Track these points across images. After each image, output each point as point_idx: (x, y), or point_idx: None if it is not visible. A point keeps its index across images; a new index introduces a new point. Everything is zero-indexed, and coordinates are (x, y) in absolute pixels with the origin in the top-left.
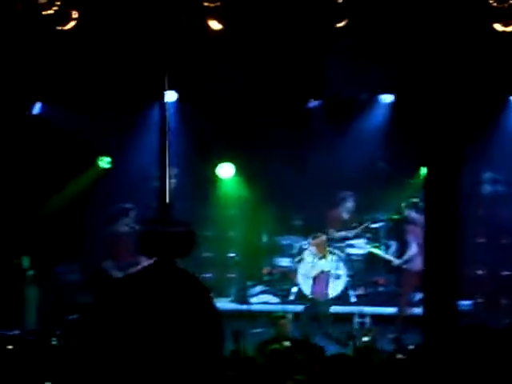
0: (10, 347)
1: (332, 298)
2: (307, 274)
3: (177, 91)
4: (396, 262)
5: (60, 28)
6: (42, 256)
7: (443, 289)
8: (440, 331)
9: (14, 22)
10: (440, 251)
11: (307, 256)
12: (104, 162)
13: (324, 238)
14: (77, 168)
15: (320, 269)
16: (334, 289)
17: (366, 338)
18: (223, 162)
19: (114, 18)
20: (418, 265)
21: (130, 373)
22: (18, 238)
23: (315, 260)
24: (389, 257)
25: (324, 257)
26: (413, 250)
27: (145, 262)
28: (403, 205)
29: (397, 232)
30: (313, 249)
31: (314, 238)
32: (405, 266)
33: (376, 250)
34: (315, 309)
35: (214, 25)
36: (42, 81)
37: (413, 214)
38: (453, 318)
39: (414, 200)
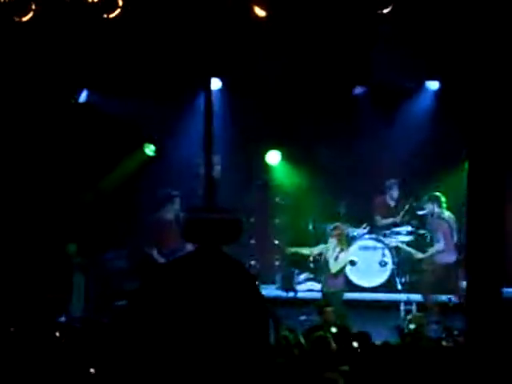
0: (57, 334)
1: (376, 286)
2: (330, 268)
3: (222, 79)
4: (419, 255)
5: (106, 16)
6: (89, 243)
7: (486, 276)
8: (484, 319)
9: (61, 11)
10: (483, 239)
11: (329, 249)
12: (150, 150)
13: (343, 228)
14: (124, 155)
15: (343, 263)
16: (381, 276)
17: (412, 326)
18: (270, 149)
19: (160, 4)
20: (442, 259)
21: (178, 359)
22: (66, 225)
23: (336, 253)
24: (412, 250)
25: (343, 249)
26: (440, 245)
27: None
28: (425, 198)
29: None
30: (333, 241)
31: (333, 229)
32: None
33: (400, 244)
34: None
35: (259, 11)
36: (88, 68)
37: (436, 209)
38: (497, 306)
39: (437, 194)
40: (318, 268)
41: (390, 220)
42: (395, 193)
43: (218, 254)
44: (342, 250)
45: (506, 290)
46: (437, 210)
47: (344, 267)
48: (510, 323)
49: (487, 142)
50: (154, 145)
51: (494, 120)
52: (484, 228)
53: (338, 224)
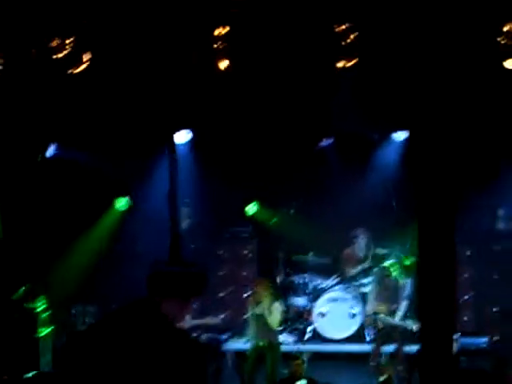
0: None
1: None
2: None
3: (192, 130)
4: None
5: (71, 71)
6: (58, 297)
7: (439, 325)
8: (437, 373)
9: (26, 66)
10: (435, 291)
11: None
12: (121, 203)
13: (263, 283)
14: (94, 209)
15: (279, 315)
16: (350, 328)
17: (381, 378)
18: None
19: (126, 60)
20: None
21: None
22: (35, 278)
23: (271, 308)
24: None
25: (273, 302)
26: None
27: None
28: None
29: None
30: (265, 296)
31: (257, 285)
32: None
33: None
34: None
35: (223, 64)
36: (56, 123)
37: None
38: (449, 358)
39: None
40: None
41: (360, 267)
42: (362, 241)
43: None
44: (270, 304)
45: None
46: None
47: (281, 318)
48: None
49: (435, 200)
50: (129, 197)
51: (445, 174)
52: (436, 280)
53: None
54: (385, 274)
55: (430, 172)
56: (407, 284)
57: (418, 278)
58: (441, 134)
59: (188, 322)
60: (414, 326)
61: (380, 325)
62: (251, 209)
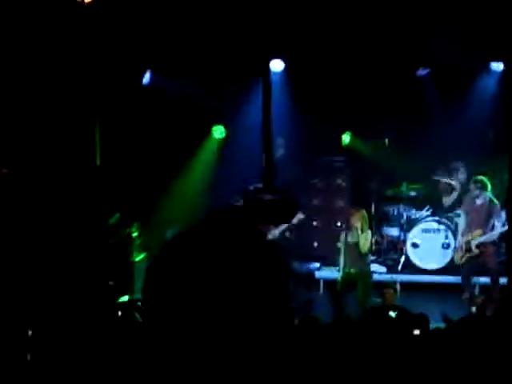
0: (119, 314)
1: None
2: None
3: (285, 60)
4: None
5: None
6: (151, 222)
7: None
8: None
9: None
10: None
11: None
12: (218, 132)
13: (361, 210)
14: (192, 138)
15: (369, 243)
16: (443, 259)
17: (473, 309)
18: (340, 130)
19: None
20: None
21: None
22: (130, 207)
23: (363, 234)
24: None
25: (364, 230)
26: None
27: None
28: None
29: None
30: (357, 222)
31: (356, 211)
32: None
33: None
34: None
35: None
36: (151, 50)
37: (479, 192)
38: None
39: (482, 178)
40: (382, 250)
41: (455, 194)
42: (462, 176)
43: (229, 221)
44: (363, 230)
45: None
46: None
47: (371, 246)
48: None
49: None
50: (225, 125)
51: None
52: None
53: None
54: (480, 185)
55: None
56: (498, 205)
57: (509, 212)
58: None
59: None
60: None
61: (475, 250)
62: (345, 138)
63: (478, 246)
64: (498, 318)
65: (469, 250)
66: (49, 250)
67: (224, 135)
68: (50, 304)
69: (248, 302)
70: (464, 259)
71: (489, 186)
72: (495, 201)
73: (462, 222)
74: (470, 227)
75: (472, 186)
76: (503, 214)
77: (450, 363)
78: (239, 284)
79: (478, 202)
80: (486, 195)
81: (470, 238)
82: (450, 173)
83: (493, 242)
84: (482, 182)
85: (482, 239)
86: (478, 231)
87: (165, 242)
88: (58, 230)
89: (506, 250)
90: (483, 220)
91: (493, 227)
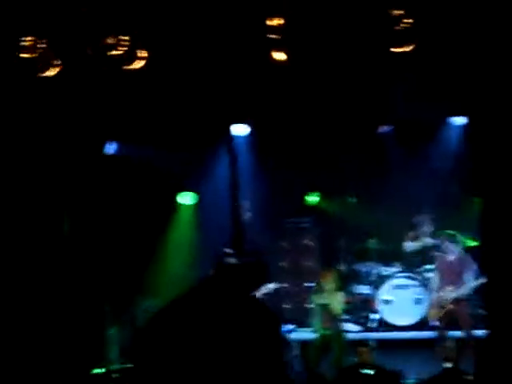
0: None
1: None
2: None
3: (249, 124)
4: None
5: (128, 68)
6: (121, 293)
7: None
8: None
9: (85, 65)
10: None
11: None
12: (187, 199)
13: (327, 273)
14: (161, 206)
15: (342, 303)
16: (416, 314)
17: (448, 365)
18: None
19: (180, 54)
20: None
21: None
22: (98, 277)
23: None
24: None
25: (336, 290)
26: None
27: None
28: (440, 233)
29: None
30: (329, 284)
31: (326, 272)
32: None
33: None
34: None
35: (279, 56)
36: (114, 121)
37: (450, 247)
38: None
39: (451, 232)
40: (354, 309)
41: (419, 243)
42: (427, 229)
43: (229, 288)
44: (334, 291)
45: None
46: (450, 247)
47: (343, 306)
48: None
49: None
50: (194, 192)
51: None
52: (500, 266)
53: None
54: (451, 240)
55: (492, 156)
56: (469, 257)
57: (482, 264)
58: (501, 119)
59: None
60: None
61: (450, 306)
62: (312, 198)
63: (451, 302)
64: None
65: (443, 306)
66: (17, 319)
67: (194, 201)
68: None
69: (248, 369)
70: (439, 316)
71: (460, 239)
72: (466, 254)
73: (435, 279)
74: (443, 284)
75: (442, 241)
76: (475, 267)
77: None
78: (238, 352)
79: (450, 257)
80: (458, 249)
81: (443, 294)
82: (415, 226)
83: (465, 297)
84: (452, 236)
85: (455, 294)
86: (451, 287)
87: (152, 313)
88: (26, 296)
89: (484, 302)
90: (456, 275)
91: (464, 282)
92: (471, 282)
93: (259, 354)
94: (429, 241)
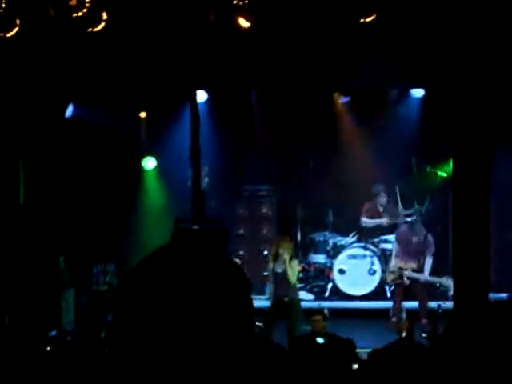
0: (48, 348)
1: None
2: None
3: (208, 90)
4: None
5: (90, 29)
6: (78, 257)
7: (473, 282)
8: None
9: (45, 25)
10: (469, 246)
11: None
12: (149, 163)
13: (283, 241)
14: (121, 170)
15: (297, 272)
16: (370, 284)
17: (402, 334)
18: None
19: (144, 18)
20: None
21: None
22: (54, 239)
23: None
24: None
25: (292, 258)
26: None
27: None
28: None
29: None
30: (285, 252)
31: (281, 240)
32: None
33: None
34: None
35: (243, 22)
36: (74, 82)
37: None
38: (484, 310)
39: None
40: (309, 277)
41: (375, 221)
42: (383, 199)
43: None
44: (290, 260)
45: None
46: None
47: (299, 275)
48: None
49: (470, 145)
50: (155, 157)
51: (476, 125)
52: (469, 231)
53: (282, 236)
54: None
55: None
56: (431, 241)
57: (452, 236)
58: (457, 90)
59: None
60: (439, 283)
61: (406, 281)
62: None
63: (408, 278)
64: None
65: (401, 277)
66: None
67: (155, 166)
68: None
69: (218, 320)
70: (394, 283)
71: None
72: (430, 238)
73: (395, 247)
74: (403, 256)
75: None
76: (434, 250)
77: None
78: (208, 303)
79: (415, 239)
80: (423, 231)
81: (403, 266)
82: (372, 197)
83: (423, 280)
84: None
85: (414, 275)
86: (411, 264)
87: (127, 270)
88: None
89: (452, 270)
90: (417, 255)
91: (423, 265)
92: (429, 265)
93: (230, 317)
94: (385, 220)
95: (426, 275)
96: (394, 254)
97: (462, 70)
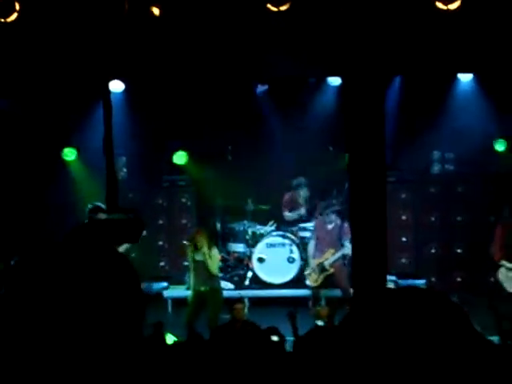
0: None
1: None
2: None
3: (124, 80)
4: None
5: (3, 20)
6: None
7: (372, 270)
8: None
9: None
10: (367, 234)
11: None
12: (68, 154)
13: (202, 230)
14: (41, 161)
15: (217, 261)
16: (289, 272)
17: (320, 323)
18: (176, 149)
19: (56, 8)
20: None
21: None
22: None
23: (210, 253)
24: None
25: (211, 248)
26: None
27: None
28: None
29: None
30: (203, 242)
31: (196, 233)
32: None
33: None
34: None
35: (155, 10)
36: None
37: (330, 216)
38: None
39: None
40: (229, 266)
41: (297, 213)
42: (303, 190)
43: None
44: (209, 250)
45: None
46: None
47: (218, 264)
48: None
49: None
50: (75, 148)
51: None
52: (367, 219)
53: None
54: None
55: (362, 115)
56: (347, 227)
57: (350, 222)
58: (373, 78)
59: None
60: None
61: (330, 269)
62: (179, 158)
63: (331, 265)
64: (343, 327)
65: (323, 269)
66: None
67: (74, 157)
68: None
69: (102, 319)
70: (320, 280)
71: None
72: (346, 225)
73: (311, 245)
74: (322, 249)
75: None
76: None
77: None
78: (92, 301)
79: (329, 226)
80: (338, 220)
81: (322, 259)
82: (294, 189)
83: (342, 258)
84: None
85: (335, 257)
86: (331, 250)
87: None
88: None
89: (351, 263)
90: (334, 241)
91: (342, 245)
92: (347, 245)
93: (116, 308)
94: (302, 212)
95: (344, 249)
96: (310, 255)
97: (376, 56)
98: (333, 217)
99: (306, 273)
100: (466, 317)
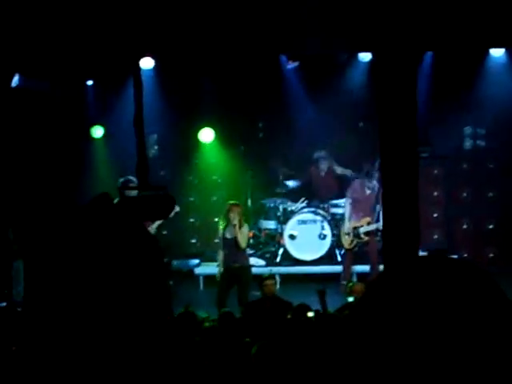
0: None
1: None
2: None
3: (155, 57)
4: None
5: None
6: (27, 228)
7: (403, 246)
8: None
9: None
10: (399, 210)
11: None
12: (97, 132)
13: (233, 207)
14: (70, 139)
15: (247, 237)
16: (320, 249)
17: (350, 298)
18: (203, 126)
19: None
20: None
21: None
22: (4, 210)
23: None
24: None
25: (242, 225)
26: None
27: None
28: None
29: None
30: (235, 217)
31: (233, 206)
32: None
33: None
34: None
35: None
36: (19, 52)
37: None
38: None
39: None
40: (260, 243)
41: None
42: (324, 163)
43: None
44: (240, 226)
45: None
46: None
47: (249, 241)
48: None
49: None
50: (103, 126)
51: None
52: (399, 195)
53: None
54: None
55: (394, 91)
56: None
57: (382, 197)
58: (405, 54)
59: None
60: None
61: (364, 238)
62: (206, 135)
63: (366, 234)
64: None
65: (358, 236)
66: None
67: (102, 135)
68: None
69: (127, 299)
70: (353, 244)
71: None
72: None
73: (348, 208)
74: (357, 214)
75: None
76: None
77: (327, 350)
78: (117, 280)
79: (368, 191)
80: (375, 184)
81: (358, 224)
82: (316, 162)
83: (376, 231)
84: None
85: (370, 228)
86: (367, 219)
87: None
88: None
89: (381, 238)
90: (371, 208)
91: (378, 216)
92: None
93: (141, 283)
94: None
95: (379, 224)
96: (346, 217)
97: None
98: (375, 180)
99: (342, 233)
100: (498, 285)
